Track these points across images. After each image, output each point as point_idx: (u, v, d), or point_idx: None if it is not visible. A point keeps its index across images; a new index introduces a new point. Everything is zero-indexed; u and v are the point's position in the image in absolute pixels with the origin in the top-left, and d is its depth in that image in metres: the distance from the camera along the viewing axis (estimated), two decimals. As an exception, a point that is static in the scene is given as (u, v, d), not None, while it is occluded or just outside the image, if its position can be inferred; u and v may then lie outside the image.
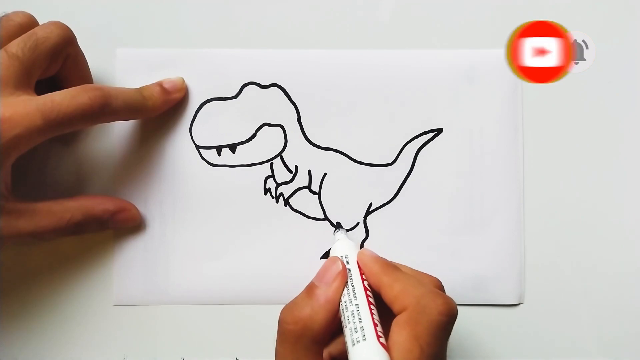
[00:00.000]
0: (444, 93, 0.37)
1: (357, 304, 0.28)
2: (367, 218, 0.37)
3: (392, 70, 0.37)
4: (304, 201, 0.37)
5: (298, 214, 0.37)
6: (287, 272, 0.37)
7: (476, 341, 0.37)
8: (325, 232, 0.37)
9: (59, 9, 0.37)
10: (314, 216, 0.37)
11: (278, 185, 0.37)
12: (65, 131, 0.31)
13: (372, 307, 0.28)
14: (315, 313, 0.28)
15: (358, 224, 0.37)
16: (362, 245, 0.37)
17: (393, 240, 0.37)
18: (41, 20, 0.33)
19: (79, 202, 0.34)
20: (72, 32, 0.33)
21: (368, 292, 0.29)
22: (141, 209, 0.37)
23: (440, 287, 0.30)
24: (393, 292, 0.28)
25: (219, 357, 0.37)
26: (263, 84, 0.37)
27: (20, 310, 0.36)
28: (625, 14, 0.38)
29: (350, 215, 0.37)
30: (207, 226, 0.37)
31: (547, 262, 0.37)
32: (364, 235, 0.37)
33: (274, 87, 0.37)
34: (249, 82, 0.37)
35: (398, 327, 0.27)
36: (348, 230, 0.37)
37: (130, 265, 0.37)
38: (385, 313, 0.28)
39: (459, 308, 0.36)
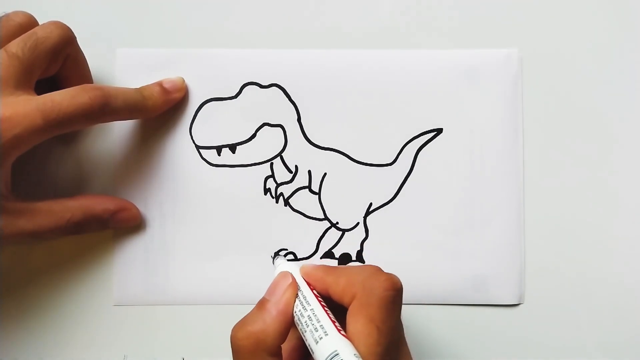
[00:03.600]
0: (444, 93, 0.37)
1: (312, 309, 0.28)
2: (367, 218, 0.37)
3: (392, 70, 0.37)
4: (304, 201, 0.37)
5: (298, 214, 0.37)
6: (287, 272, 0.37)
7: (476, 341, 0.37)
8: (325, 232, 0.37)
9: (59, 9, 0.37)
10: (314, 216, 0.37)
11: (278, 185, 0.37)
12: (65, 131, 0.31)
13: (326, 309, 0.29)
14: (267, 326, 0.28)
15: (358, 224, 0.37)
16: (361, 246, 0.37)
17: (393, 240, 0.37)
18: (41, 20, 0.33)
19: (79, 202, 0.34)
20: (72, 32, 0.33)
21: (319, 299, 0.29)
22: (141, 208, 0.37)
23: (381, 270, 0.31)
24: (339, 286, 0.29)
25: (219, 357, 0.37)
26: (263, 84, 0.37)
27: (20, 310, 0.36)
28: (626, 15, 0.38)
29: (350, 215, 0.37)
30: (207, 226, 0.37)
31: (547, 262, 0.37)
32: (364, 235, 0.37)
33: (274, 87, 0.37)
34: (249, 82, 0.37)
35: (352, 317, 0.28)
36: (347, 230, 0.37)
37: (130, 265, 0.37)
38: (338, 320, 0.29)
39: (459, 308, 0.37)
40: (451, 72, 0.37)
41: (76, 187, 0.37)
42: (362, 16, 0.38)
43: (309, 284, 0.30)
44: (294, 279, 0.30)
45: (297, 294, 0.29)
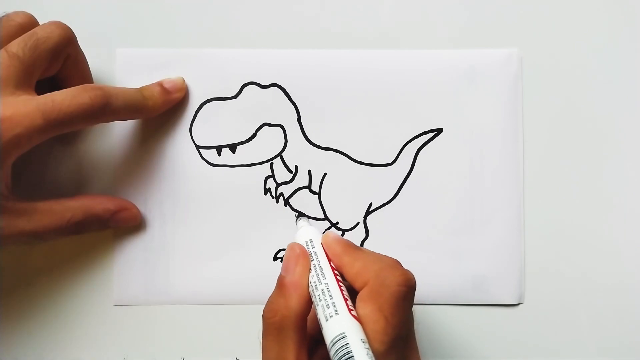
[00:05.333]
0: (444, 93, 0.37)
1: (327, 283, 0.28)
2: (367, 218, 0.37)
3: (392, 70, 0.37)
4: (304, 201, 0.37)
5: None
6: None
7: (476, 341, 0.37)
8: (325, 232, 0.37)
9: (59, 9, 0.37)
10: (314, 216, 0.37)
11: (278, 185, 0.37)
12: (66, 131, 0.31)
13: (340, 284, 0.28)
14: (288, 301, 0.28)
15: (358, 224, 0.37)
16: (361, 246, 0.37)
17: (393, 240, 0.37)
18: (41, 20, 0.33)
19: (80, 202, 0.34)
20: (73, 32, 0.33)
21: (335, 272, 0.29)
22: (141, 208, 0.37)
23: (398, 264, 0.30)
24: (354, 269, 0.29)
25: (219, 357, 0.37)
26: (263, 84, 0.37)
27: (20, 310, 0.36)
28: (626, 15, 0.38)
29: (350, 215, 0.37)
30: (207, 226, 0.37)
31: (547, 262, 0.37)
32: (364, 235, 0.37)
33: (274, 87, 0.37)
34: (249, 82, 0.37)
35: (362, 302, 0.28)
36: (347, 230, 0.37)
37: (130, 265, 0.37)
38: (351, 296, 0.29)
39: (459, 308, 0.37)
40: (451, 72, 0.37)
41: (76, 187, 0.37)
42: (362, 16, 0.38)
43: (327, 254, 0.30)
44: (302, 249, 0.30)
45: (314, 263, 0.29)
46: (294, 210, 0.37)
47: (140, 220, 0.36)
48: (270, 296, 0.29)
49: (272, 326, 0.28)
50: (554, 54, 0.38)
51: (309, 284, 0.29)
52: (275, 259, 0.37)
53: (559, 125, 0.38)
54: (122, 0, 0.37)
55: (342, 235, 0.37)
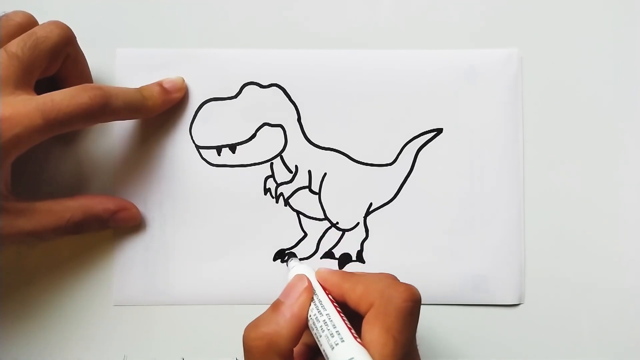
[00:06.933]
0: (444, 93, 0.37)
1: (328, 314, 0.28)
2: (367, 218, 0.37)
3: (392, 70, 0.37)
4: (304, 201, 0.37)
5: (298, 214, 0.37)
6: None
7: (476, 341, 0.37)
8: (325, 232, 0.37)
9: (59, 9, 0.37)
10: (314, 216, 0.37)
11: (278, 185, 0.37)
12: (65, 130, 0.31)
13: (342, 315, 0.28)
14: (281, 328, 0.28)
15: (358, 224, 0.37)
16: (361, 246, 0.37)
17: (393, 240, 0.37)
18: (41, 20, 0.34)
19: (79, 202, 0.34)
20: (72, 32, 0.33)
21: (335, 304, 0.29)
22: (141, 208, 0.37)
23: (398, 279, 0.30)
24: (357, 293, 0.29)
25: (219, 357, 0.37)
26: (263, 84, 0.37)
27: (20, 310, 0.36)
28: (626, 15, 0.38)
29: (350, 215, 0.37)
30: (207, 226, 0.37)
31: (547, 262, 0.37)
32: (364, 235, 0.37)
33: (274, 87, 0.37)
34: (249, 82, 0.37)
35: (369, 325, 0.27)
36: (347, 230, 0.37)
37: (130, 265, 0.37)
38: (353, 326, 0.28)
39: (459, 308, 0.37)
40: (451, 72, 0.37)
41: (76, 187, 0.37)
42: (363, 16, 0.38)
43: (324, 289, 0.30)
44: (309, 282, 0.30)
45: (313, 297, 0.29)
46: (293, 209, 0.37)
47: (140, 220, 0.36)
48: (259, 318, 0.29)
49: (256, 349, 0.28)
50: (554, 54, 0.38)
51: (309, 317, 0.29)
52: (275, 259, 0.37)
53: (559, 125, 0.38)
54: (122, 0, 0.38)
55: (342, 235, 0.37)
